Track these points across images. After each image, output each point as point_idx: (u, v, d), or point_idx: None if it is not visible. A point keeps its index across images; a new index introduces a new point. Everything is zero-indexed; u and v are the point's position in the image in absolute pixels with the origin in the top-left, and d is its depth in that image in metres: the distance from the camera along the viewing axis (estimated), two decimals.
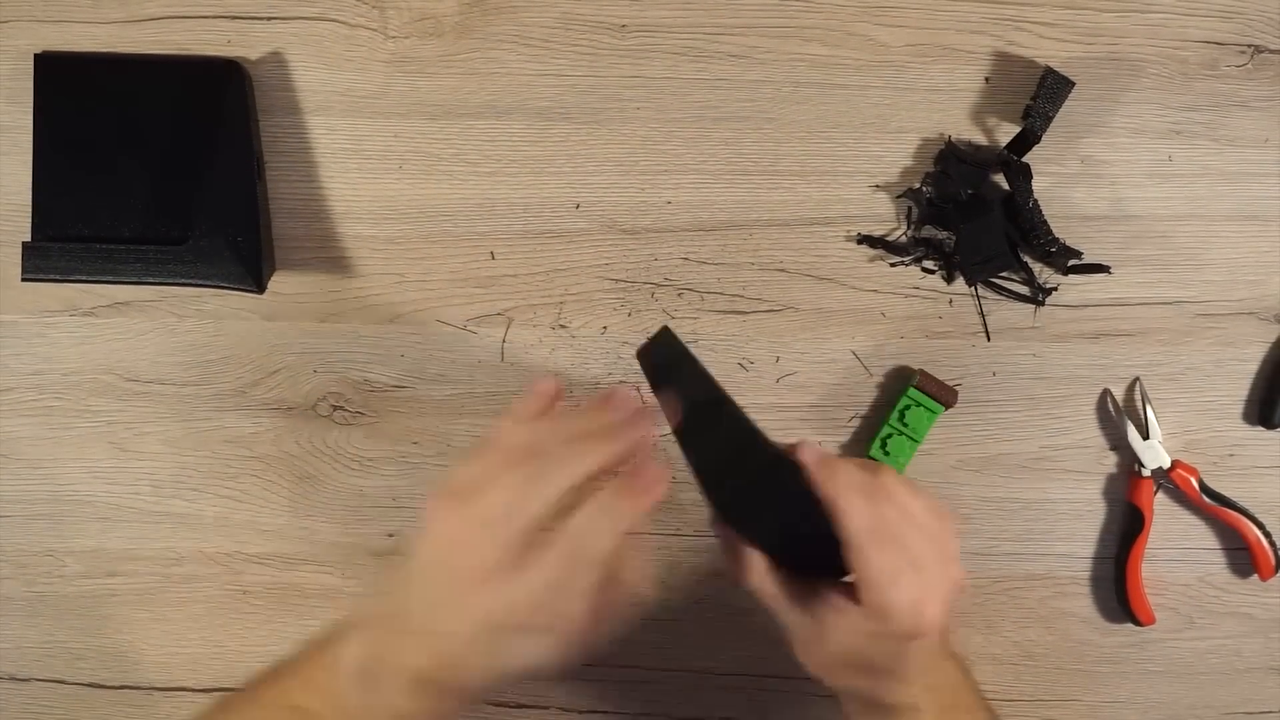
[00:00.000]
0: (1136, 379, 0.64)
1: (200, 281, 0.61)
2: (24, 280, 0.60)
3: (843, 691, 0.50)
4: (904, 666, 0.47)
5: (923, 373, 0.63)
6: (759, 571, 0.48)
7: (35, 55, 0.61)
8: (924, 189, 0.63)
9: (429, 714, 0.46)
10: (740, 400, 0.64)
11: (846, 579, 0.47)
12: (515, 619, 0.43)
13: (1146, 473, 0.63)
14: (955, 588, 0.47)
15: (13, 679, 0.65)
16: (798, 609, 0.48)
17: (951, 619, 0.48)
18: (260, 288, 0.61)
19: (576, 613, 0.43)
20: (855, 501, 0.45)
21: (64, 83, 0.61)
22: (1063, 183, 0.64)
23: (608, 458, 0.45)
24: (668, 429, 0.48)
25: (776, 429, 0.64)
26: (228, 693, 0.51)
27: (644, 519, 0.46)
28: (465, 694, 0.46)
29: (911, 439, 0.62)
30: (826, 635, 0.47)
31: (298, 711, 0.47)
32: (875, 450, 0.63)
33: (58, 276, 0.60)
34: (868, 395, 0.64)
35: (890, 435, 0.62)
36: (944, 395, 0.62)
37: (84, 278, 0.60)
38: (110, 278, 0.60)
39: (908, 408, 0.62)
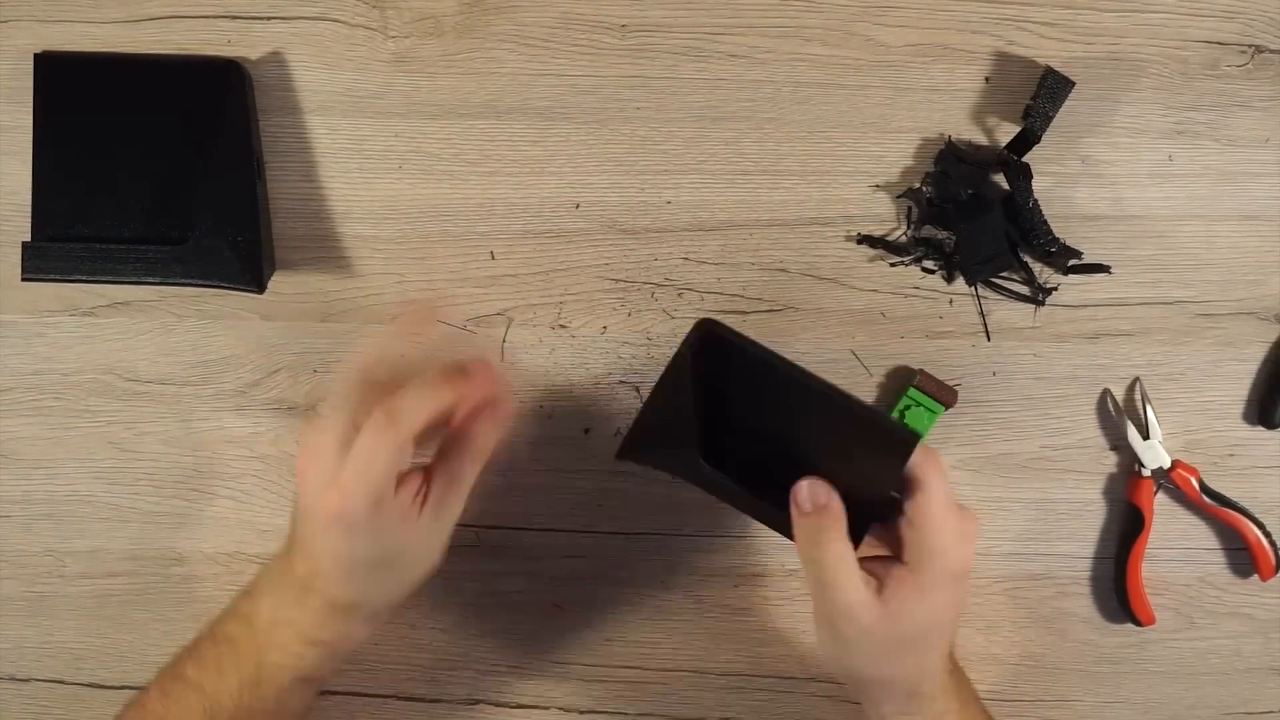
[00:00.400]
0: (1136, 379, 0.64)
1: (201, 281, 0.60)
2: (24, 280, 0.60)
3: (873, 679, 0.51)
4: (950, 618, 0.49)
5: (923, 373, 0.63)
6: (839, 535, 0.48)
7: (35, 55, 0.61)
8: (924, 189, 0.63)
9: (339, 636, 0.51)
10: None
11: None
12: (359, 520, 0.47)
13: (1146, 473, 0.63)
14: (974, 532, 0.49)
15: (13, 679, 0.65)
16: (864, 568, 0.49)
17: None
18: (261, 287, 0.61)
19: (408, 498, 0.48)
20: (940, 479, 0.47)
21: (64, 82, 0.61)
22: (1063, 183, 0.64)
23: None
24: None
25: None
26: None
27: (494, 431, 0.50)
28: (369, 615, 0.51)
29: None
30: (899, 588, 0.48)
31: (220, 641, 0.52)
32: None
33: (57, 276, 0.60)
34: (868, 395, 0.64)
35: None
36: (944, 395, 0.62)
37: (84, 277, 0.60)
38: (110, 278, 0.60)
39: (908, 408, 0.62)
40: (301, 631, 0.51)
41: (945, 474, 0.47)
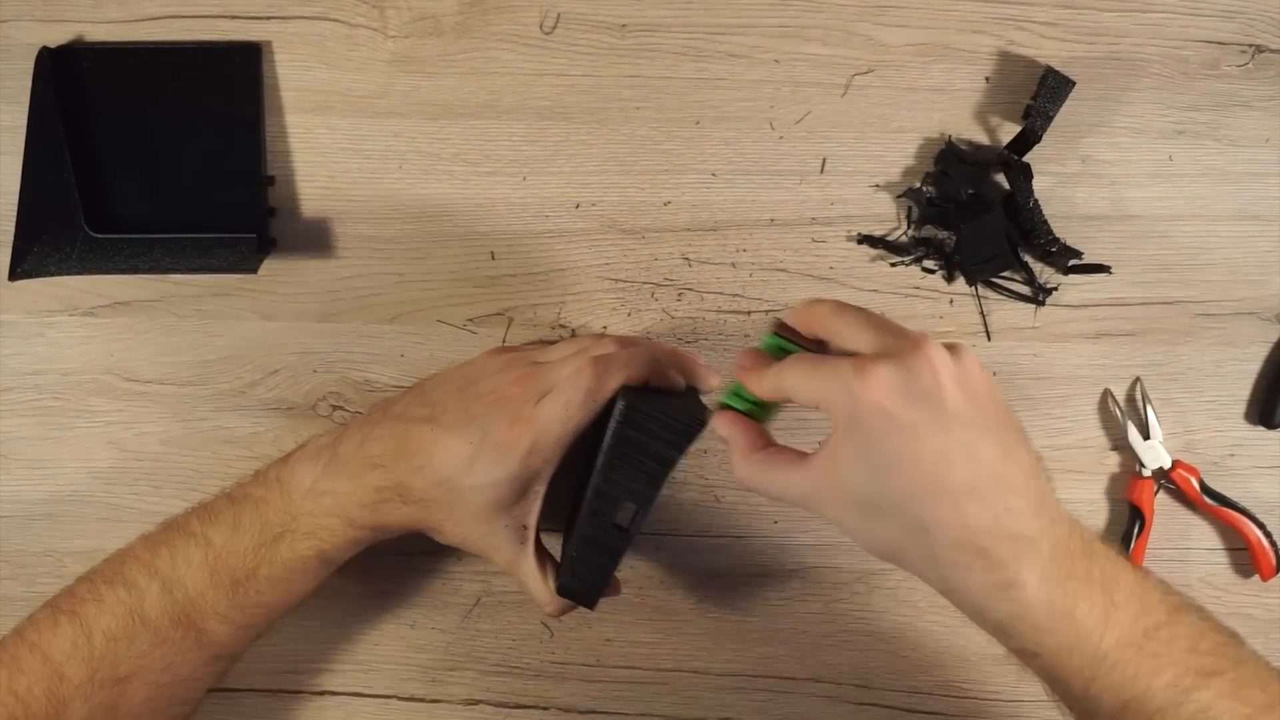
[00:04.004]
0: (1137, 379, 0.64)
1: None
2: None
3: (904, 548, 0.43)
4: (918, 467, 0.41)
5: (779, 321, 0.50)
6: (754, 435, 0.48)
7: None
8: (924, 189, 0.63)
9: (379, 523, 0.52)
10: None
11: None
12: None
13: (1147, 473, 0.63)
14: (934, 371, 0.42)
15: None
16: (797, 466, 0.46)
17: (998, 436, 0.42)
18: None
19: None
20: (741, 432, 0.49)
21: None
22: (1063, 183, 0.64)
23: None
24: None
25: (777, 429, 0.64)
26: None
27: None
28: (413, 522, 0.52)
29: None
30: (832, 470, 0.44)
31: (240, 500, 0.52)
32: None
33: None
34: None
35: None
36: (801, 341, 0.51)
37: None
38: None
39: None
40: (343, 505, 0.51)
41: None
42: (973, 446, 0.41)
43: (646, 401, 0.51)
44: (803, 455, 0.46)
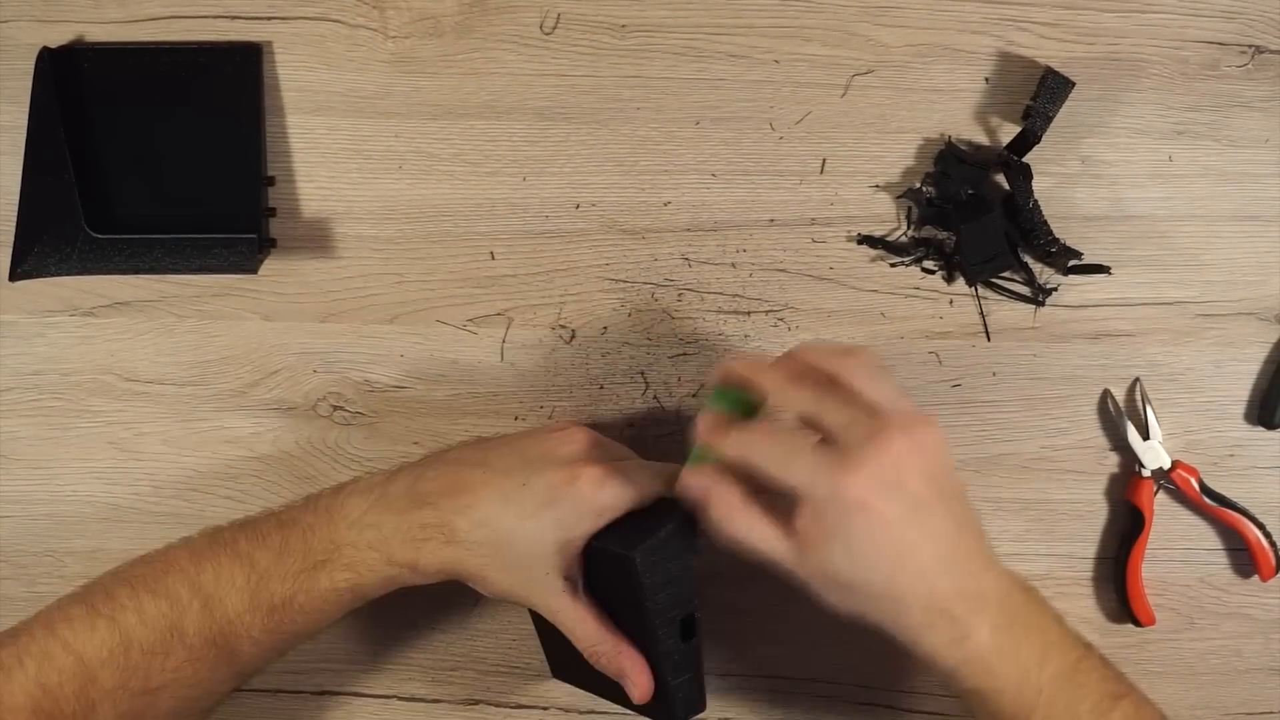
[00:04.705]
0: (1136, 379, 0.64)
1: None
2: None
3: (875, 616, 0.47)
4: (891, 550, 0.45)
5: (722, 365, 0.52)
6: (728, 491, 0.48)
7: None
8: (924, 189, 0.63)
9: (388, 577, 0.51)
10: None
11: None
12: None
13: (1147, 473, 0.63)
14: (900, 457, 0.45)
15: None
16: (775, 527, 0.47)
17: (953, 509, 0.46)
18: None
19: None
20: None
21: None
22: (1063, 183, 0.64)
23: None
24: None
25: None
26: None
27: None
28: (451, 567, 0.51)
29: None
30: (809, 544, 0.46)
31: (289, 524, 0.52)
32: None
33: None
34: None
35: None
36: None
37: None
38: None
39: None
40: (386, 539, 0.50)
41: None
42: (937, 527, 0.46)
43: (642, 531, 0.50)
44: (785, 518, 0.47)
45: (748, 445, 0.47)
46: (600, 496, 0.50)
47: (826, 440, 0.46)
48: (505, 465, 0.52)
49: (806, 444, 0.45)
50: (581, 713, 0.65)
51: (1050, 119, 0.61)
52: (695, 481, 0.48)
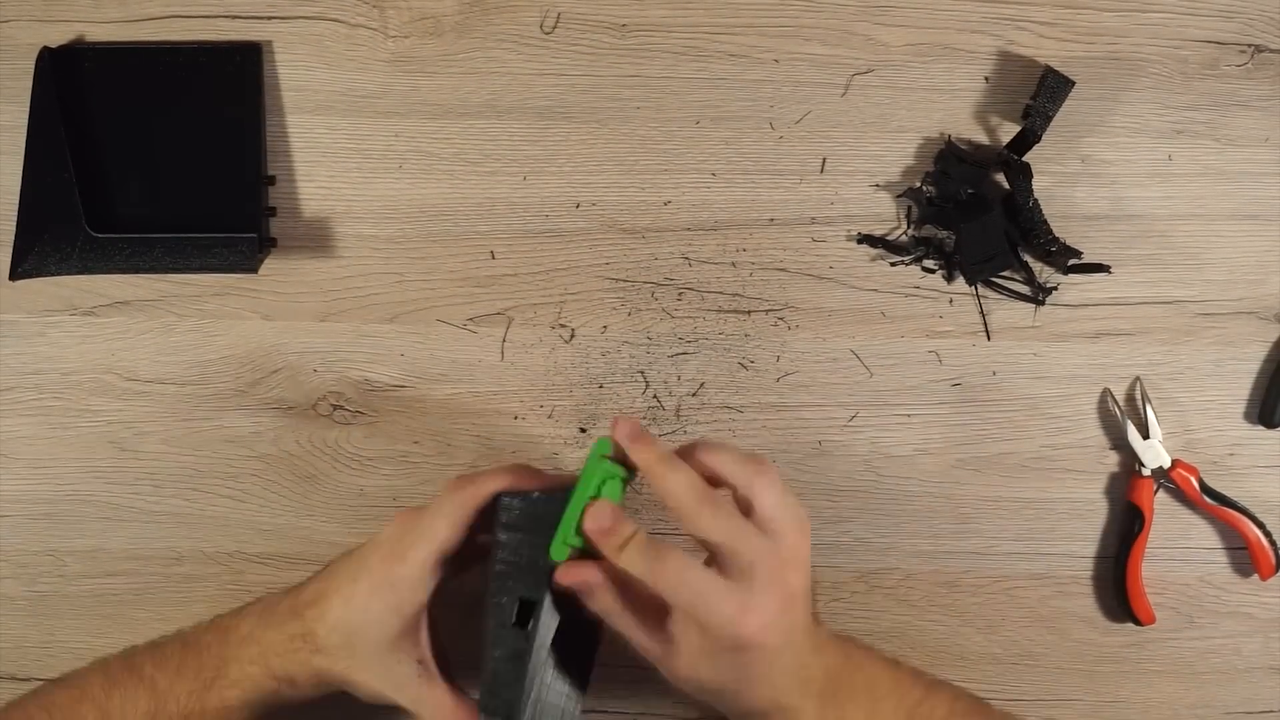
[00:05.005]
0: (1136, 379, 0.64)
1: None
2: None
3: (715, 705, 0.50)
4: (760, 671, 0.47)
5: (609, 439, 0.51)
6: (604, 593, 0.48)
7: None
8: (924, 189, 0.63)
9: (292, 674, 0.52)
10: (741, 400, 0.64)
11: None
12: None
13: (1147, 472, 0.63)
14: (793, 592, 0.47)
15: (13, 679, 0.65)
16: (646, 629, 0.48)
17: (807, 615, 0.48)
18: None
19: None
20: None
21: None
22: (1063, 182, 0.64)
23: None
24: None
25: (777, 428, 0.64)
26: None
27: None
28: (325, 671, 0.52)
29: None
30: (679, 652, 0.47)
31: (190, 645, 0.53)
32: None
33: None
34: (868, 395, 0.64)
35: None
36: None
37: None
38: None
39: (605, 481, 0.50)
40: (264, 653, 0.52)
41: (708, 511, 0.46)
42: (796, 637, 0.48)
43: (521, 502, 0.51)
44: (656, 616, 0.48)
45: (659, 570, 0.46)
46: (416, 563, 0.51)
47: (720, 558, 0.47)
48: (345, 567, 0.53)
49: (719, 587, 0.46)
50: (581, 713, 0.65)
51: (1050, 118, 0.61)
52: (575, 577, 0.48)
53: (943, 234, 0.64)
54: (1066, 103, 0.61)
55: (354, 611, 0.51)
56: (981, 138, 0.64)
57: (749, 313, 0.64)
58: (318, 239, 0.64)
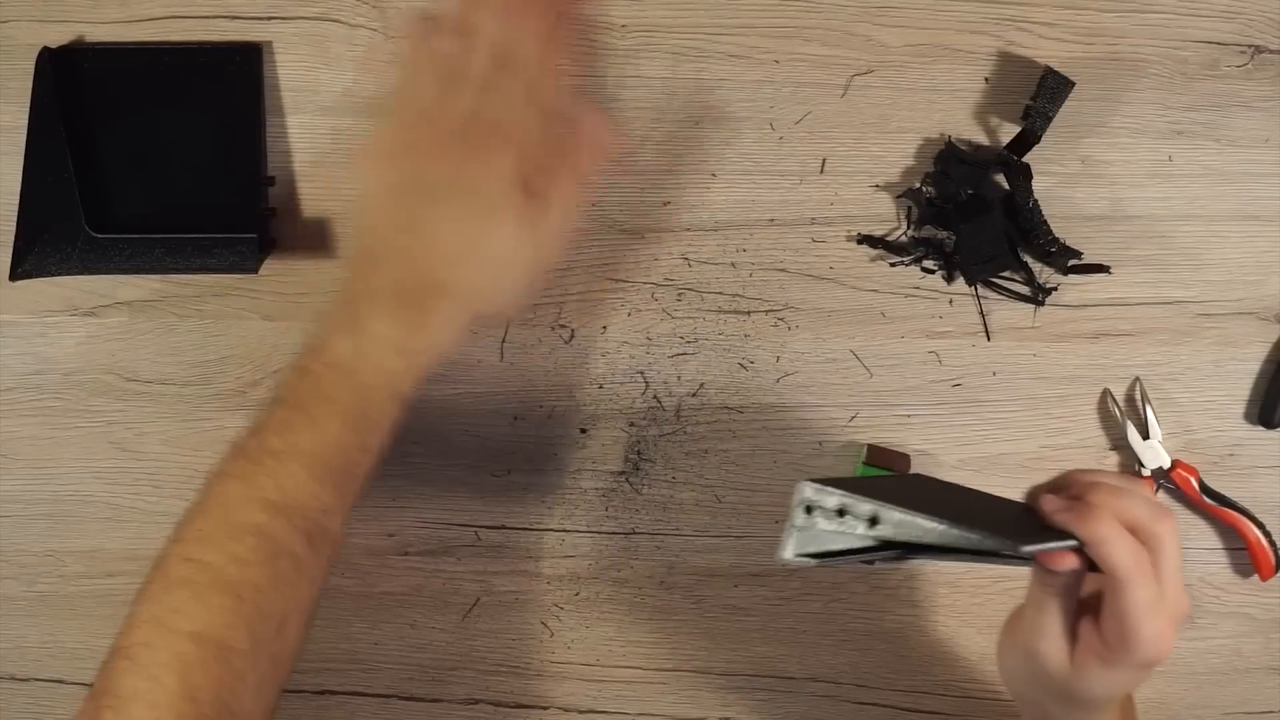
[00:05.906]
0: (1136, 379, 0.64)
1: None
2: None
3: (1045, 700, 0.51)
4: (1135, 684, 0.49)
5: (871, 446, 0.62)
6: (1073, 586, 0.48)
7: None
8: (924, 189, 0.63)
9: (415, 367, 0.50)
10: (741, 400, 0.64)
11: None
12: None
13: (1146, 472, 0.63)
14: (1183, 614, 0.47)
15: (13, 679, 0.65)
16: (1067, 623, 0.48)
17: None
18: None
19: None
20: (1142, 580, 0.46)
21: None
22: (1063, 183, 0.64)
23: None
24: None
25: (776, 428, 0.64)
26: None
27: None
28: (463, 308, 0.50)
29: None
30: (1091, 650, 0.47)
31: (293, 406, 0.50)
32: None
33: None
34: (868, 395, 0.64)
35: None
36: (896, 463, 0.62)
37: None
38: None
39: None
40: (395, 341, 0.49)
41: (1149, 571, 0.46)
42: None
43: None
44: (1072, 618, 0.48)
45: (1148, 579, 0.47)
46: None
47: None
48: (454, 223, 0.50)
49: (1163, 605, 0.47)
50: (581, 712, 0.65)
51: (1050, 119, 0.61)
52: (1066, 565, 0.46)
53: (943, 234, 0.64)
54: (1066, 103, 0.61)
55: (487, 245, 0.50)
56: (981, 138, 0.64)
57: (749, 313, 0.64)
58: (318, 239, 0.63)
